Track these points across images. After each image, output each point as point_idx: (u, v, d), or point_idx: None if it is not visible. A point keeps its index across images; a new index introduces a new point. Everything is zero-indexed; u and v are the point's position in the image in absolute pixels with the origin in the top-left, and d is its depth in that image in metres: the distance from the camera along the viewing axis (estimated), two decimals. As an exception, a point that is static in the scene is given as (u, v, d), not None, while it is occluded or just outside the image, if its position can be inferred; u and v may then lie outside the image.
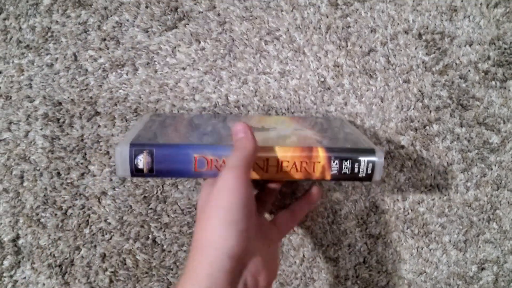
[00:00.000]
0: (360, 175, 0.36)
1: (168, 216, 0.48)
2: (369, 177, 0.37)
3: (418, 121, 0.48)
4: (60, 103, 0.47)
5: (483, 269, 0.49)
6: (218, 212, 0.32)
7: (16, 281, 0.47)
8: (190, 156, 0.36)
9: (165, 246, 0.48)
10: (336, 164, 0.36)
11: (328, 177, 0.37)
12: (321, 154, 0.36)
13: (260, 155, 0.36)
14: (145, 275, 0.48)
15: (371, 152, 0.36)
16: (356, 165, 0.36)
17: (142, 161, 0.35)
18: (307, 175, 0.37)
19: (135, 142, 0.36)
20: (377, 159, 0.36)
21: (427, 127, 0.48)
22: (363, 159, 0.36)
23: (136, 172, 0.36)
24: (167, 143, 0.37)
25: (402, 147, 0.48)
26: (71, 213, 0.47)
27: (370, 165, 0.36)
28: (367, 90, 0.48)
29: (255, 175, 0.37)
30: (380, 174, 0.37)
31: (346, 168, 0.36)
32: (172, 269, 0.48)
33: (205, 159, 0.36)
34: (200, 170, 0.36)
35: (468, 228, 0.48)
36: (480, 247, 0.49)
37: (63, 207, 0.47)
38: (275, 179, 0.37)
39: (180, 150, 0.36)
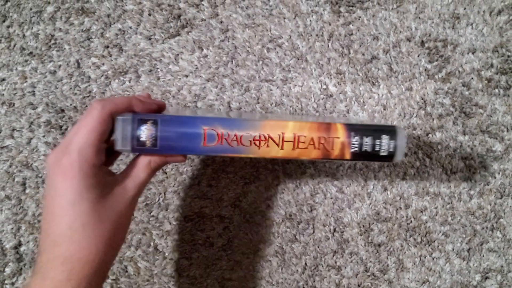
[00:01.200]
0: (382, 153, 0.35)
1: (170, 223, 0.47)
2: (390, 157, 0.35)
3: (421, 129, 0.48)
4: (62, 110, 0.47)
5: (486, 278, 0.48)
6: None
7: (17, 288, 0.47)
8: (199, 128, 0.33)
9: (166, 254, 0.48)
10: (357, 140, 0.35)
11: (348, 155, 0.35)
12: (340, 130, 0.35)
13: (275, 130, 0.34)
14: (146, 283, 0.48)
15: (392, 130, 0.35)
16: (378, 142, 0.35)
17: (145, 132, 0.33)
18: (325, 153, 0.35)
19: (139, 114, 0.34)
20: (399, 137, 0.35)
21: (430, 135, 0.48)
22: (385, 137, 0.35)
23: (137, 145, 0.33)
24: (173, 114, 0.34)
25: (405, 154, 0.48)
26: (73, 220, 0.47)
27: (392, 143, 0.35)
28: (370, 98, 0.48)
29: (269, 153, 0.35)
30: (402, 153, 0.35)
31: (367, 145, 0.35)
32: (173, 277, 0.48)
33: (215, 132, 0.33)
34: (209, 145, 0.34)
35: (471, 236, 0.48)
36: (483, 256, 0.48)
37: (65, 214, 0.47)
38: (290, 157, 0.36)
39: (188, 121, 0.34)
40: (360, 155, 0.35)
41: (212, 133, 0.33)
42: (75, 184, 0.30)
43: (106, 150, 0.33)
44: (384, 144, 0.35)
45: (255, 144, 0.34)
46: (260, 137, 0.34)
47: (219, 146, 0.34)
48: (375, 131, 0.35)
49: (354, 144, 0.35)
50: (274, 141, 0.34)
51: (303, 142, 0.34)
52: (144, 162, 0.34)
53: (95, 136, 0.31)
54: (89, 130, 0.31)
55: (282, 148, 0.35)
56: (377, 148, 0.35)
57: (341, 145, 0.35)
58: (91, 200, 0.30)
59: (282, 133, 0.34)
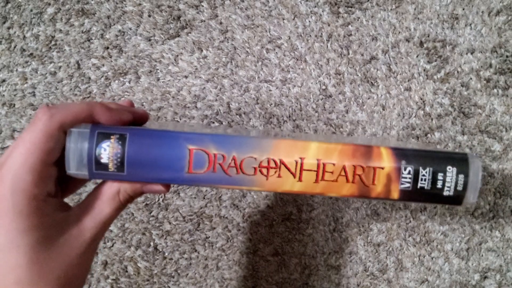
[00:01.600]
0: (446, 193, 0.25)
1: (170, 223, 0.48)
2: (458, 198, 0.25)
3: (420, 129, 0.48)
4: (63, 111, 0.47)
5: (485, 277, 0.49)
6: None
7: (18, 288, 0.47)
8: (182, 147, 0.24)
9: (166, 254, 0.48)
10: (409, 173, 0.25)
11: (395, 194, 0.25)
12: (385, 157, 0.25)
13: (291, 153, 0.25)
14: (146, 283, 0.48)
15: (462, 159, 0.25)
16: (440, 176, 0.25)
17: (107, 151, 0.24)
18: (363, 190, 0.25)
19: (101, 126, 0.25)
20: (472, 169, 0.25)
21: (429, 135, 0.48)
22: (451, 168, 0.25)
23: (97, 169, 0.24)
24: (148, 128, 0.26)
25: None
26: (73, 220, 0.47)
27: (461, 178, 0.25)
28: (369, 98, 0.48)
29: (281, 186, 0.25)
30: (476, 193, 0.25)
31: (424, 180, 0.25)
32: (173, 277, 0.48)
33: (206, 154, 0.24)
34: (197, 172, 0.25)
35: (470, 236, 0.48)
36: (482, 255, 0.48)
37: (65, 214, 0.47)
38: (312, 193, 0.26)
39: (168, 137, 0.25)
40: (413, 194, 0.25)
41: (201, 155, 0.24)
42: (7, 225, 0.22)
43: (60, 176, 0.25)
44: (450, 179, 0.25)
45: (262, 173, 0.25)
46: (269, 162, 0.25)
47: (210, 174, 0.25)
48: (438, 159, 0.25)
49: (405, 178, 0.25)
50: (288, 169, 0.25)
51: (331, 173, 0.25)
52: (110, 191, 0.26)
53: (37, 157, 0.23)
54: (29, 149, 0.23)
55: (300, 180, 0.25)
56: (439, 184, 0.25)
57: (386, 179, 0.25)
58: (30, 247, 0.22)
59: (300, 158, 0.25)
